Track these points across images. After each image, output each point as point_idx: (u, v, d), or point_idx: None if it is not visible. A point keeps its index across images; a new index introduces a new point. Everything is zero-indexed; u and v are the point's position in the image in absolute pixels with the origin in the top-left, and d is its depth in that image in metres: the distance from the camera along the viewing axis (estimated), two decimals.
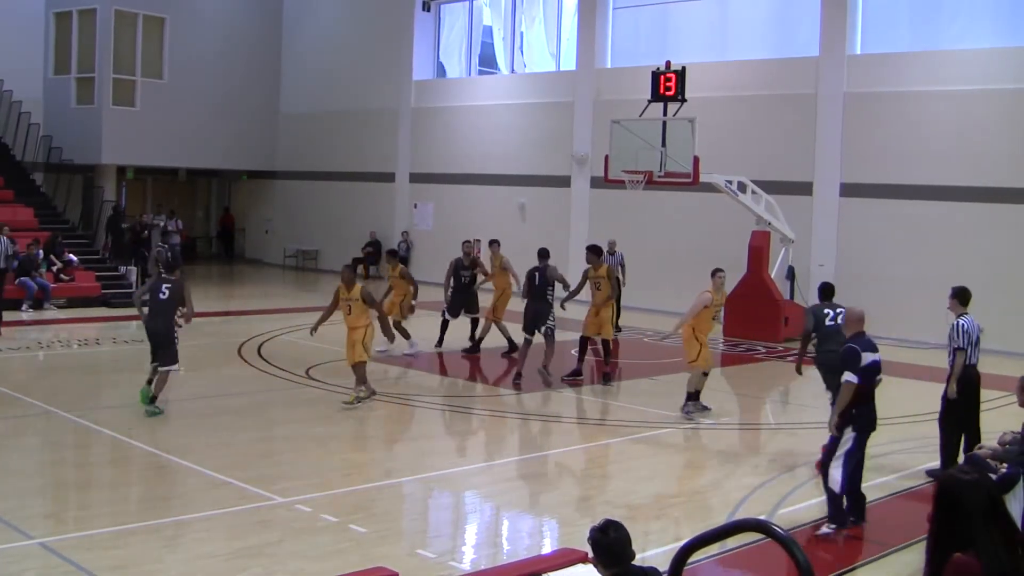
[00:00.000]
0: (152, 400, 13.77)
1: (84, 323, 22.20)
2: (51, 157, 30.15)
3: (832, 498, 9.41)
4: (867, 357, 9.35)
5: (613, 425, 14.73)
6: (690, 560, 4.73)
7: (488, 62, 32.95)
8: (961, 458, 10.79)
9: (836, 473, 9.33)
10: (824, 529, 9.42)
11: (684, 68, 20.50)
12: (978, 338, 11.45)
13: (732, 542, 8.78)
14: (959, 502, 4.73)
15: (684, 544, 4.56)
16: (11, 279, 22.87)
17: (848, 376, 9.32)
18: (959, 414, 11.31)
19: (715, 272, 14.71)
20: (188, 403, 15.39)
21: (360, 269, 33.57)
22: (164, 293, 14.01)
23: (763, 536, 4.78)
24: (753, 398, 17.03)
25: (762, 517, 9.86)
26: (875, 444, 13.25)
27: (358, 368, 14.44)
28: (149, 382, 13.97)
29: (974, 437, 11.28)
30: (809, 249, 23.90)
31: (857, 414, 9.40)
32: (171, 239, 32.30)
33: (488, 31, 33.18)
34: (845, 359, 9.39)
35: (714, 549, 8.75)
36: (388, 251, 20.49)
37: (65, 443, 12.66)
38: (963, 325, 11.32)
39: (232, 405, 15.04)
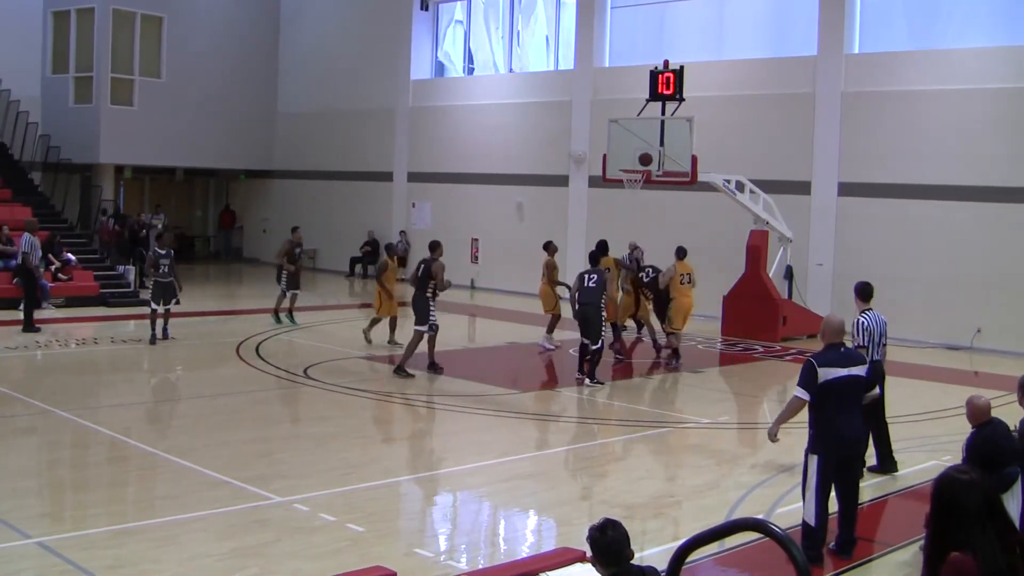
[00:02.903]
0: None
1: (82, 322, 22.18)
2: (49, 156, 30.12)
3: (805, 531, 8.77)
4: (828, 373, 8.64)
5: (611, 425, 14.72)
6: (688, 559, 4.73)
7: (486, 61, 32.94)
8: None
9: (810, 505, 8.72)
10: None
11: (682, 67, 20.51)
12: (882, 333, 11.38)
13: (730, 541, 8.78)
14: (956, 502, 4.74)
15: (682, 543, 4.56)
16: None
17: (796, 391, 8.80)
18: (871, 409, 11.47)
19: None
20: (186, 403, 15.39)
21: (359, 269, 33.64)
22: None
23: (761, 535, 4.77)
24: (750, 397, 17.03)
25: (760, 516, 9.86)
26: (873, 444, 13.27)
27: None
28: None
29: (881, 430, 11.59)
30: (807, 248, 23.89)
31: (816, 437, 8.76)
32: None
33: (487, 30, 33.17)
34: (801, 371, 8.83)
35: (712, 548, 8.75)
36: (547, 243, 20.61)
37: (63, 442, 12.64)
38: (862, 322, 11.25)
39: (230, 404, 15.03)
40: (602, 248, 18.17)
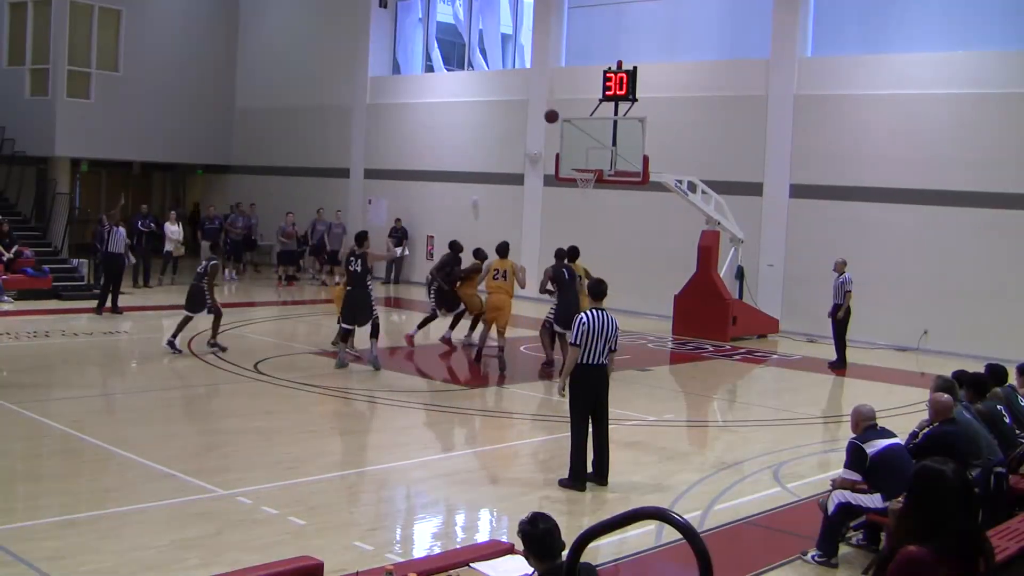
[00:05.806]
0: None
1: (35, 315, 22.08)
2: (3, 149, 29.92)
3: None
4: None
5: (557, 420, 14.86)
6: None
7: (444, 59, 33.06)
8: None
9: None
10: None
11: (635, 68, 20.70)
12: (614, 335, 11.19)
13: (667, 537, 8.96)
14: (937, 489, 5.01)
15: (581, 534, 4.62)
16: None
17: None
18: None
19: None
20: (135, 396, 15.40)
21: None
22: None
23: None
24: (698, 396, 17.24)
25: (696, 512, 10.06)
26: (808, 443, 13.57)
27: None
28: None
29: None
30: (758, 249, 24.17)
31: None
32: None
33: (445, 28, 33.31)
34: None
35: (648, 543, 8.94)
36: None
37: (11, 435, 12.62)
38: (582, 320, 10.95)
39: (179, 398, 15.07)
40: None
